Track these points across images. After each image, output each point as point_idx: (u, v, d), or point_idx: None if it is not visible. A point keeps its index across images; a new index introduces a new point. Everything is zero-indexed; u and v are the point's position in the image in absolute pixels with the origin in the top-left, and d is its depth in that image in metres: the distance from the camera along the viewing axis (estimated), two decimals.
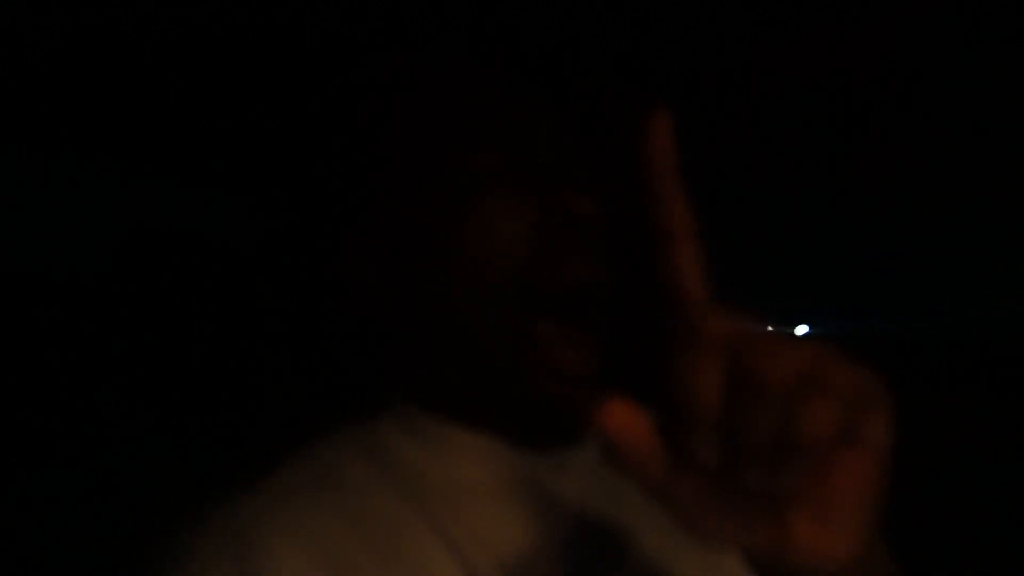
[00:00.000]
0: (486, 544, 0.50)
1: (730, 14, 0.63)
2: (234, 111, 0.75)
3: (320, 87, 0.68)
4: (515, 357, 0.52)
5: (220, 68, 0.70)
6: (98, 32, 0.65)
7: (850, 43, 0.65)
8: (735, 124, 0.72)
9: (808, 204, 0.80)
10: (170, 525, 0.51)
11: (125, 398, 0.87)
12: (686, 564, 0.54)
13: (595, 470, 0.57)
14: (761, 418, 0.32)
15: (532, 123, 0.56)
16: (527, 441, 0.56)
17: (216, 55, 0.68)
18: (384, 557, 0.49)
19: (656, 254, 0.35)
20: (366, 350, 0.63)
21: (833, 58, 0.68)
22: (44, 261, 0.85)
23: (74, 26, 0.64)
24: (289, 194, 0.75)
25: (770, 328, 0.34)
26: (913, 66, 0.69)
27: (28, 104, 0.75)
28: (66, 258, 0.86)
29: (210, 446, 0.84)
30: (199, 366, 0.87)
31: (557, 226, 0.53)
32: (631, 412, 0.32)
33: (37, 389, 0.86)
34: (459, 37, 0.64)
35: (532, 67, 0.60)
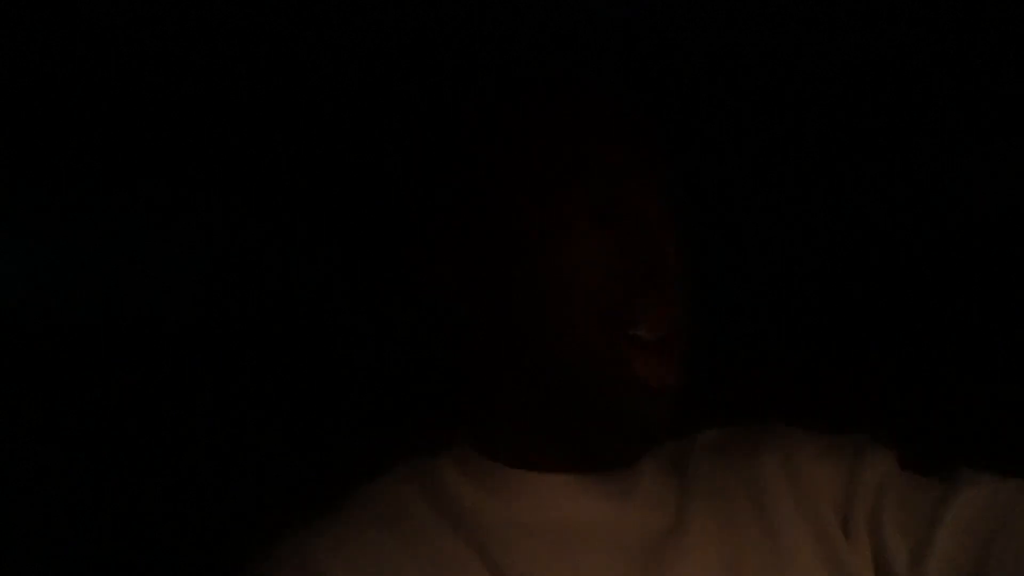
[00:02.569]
0: None
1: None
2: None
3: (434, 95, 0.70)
4: (601, 369, 0.53)
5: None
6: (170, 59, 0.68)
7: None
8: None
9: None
10: (242, 559, 0.53)
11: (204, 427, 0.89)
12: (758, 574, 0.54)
13: (655, 506, 0.58)
14: None
15: (642, 168, 0.58)
16: (597, 460, 0.56)
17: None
18: None
19: None
20: (430, 388, 0.64)
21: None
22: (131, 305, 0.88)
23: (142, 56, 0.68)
24: (379, 215, 0.76)
25: None
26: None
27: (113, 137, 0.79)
28: (151, 300, 0.88)
29: (282, 479, 0.85)
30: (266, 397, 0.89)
31: (648, 270, 0.54)
32: None
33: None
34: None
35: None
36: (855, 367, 0.90)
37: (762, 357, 0.94)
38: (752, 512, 0.58)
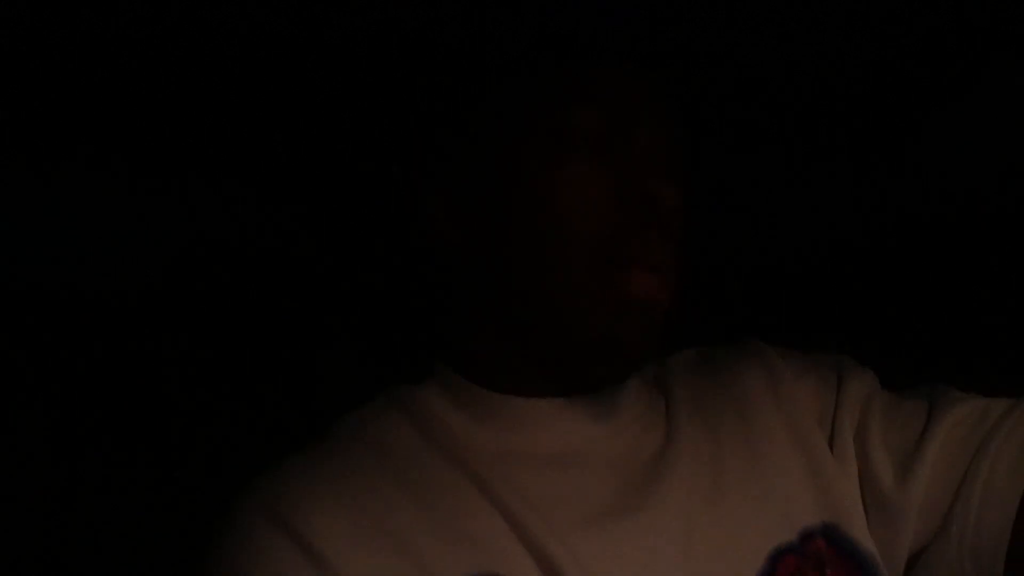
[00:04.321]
0: (535, 507, 0.50)
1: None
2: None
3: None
4: (594, 291, 0.53)
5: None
6: (152, 36, 0.65)
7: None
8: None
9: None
10: (220, 495, 0.52)
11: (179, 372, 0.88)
12: (736, 508, 0.54)
13: (644, 426, 0.58)
14: None
15: (635, 97, 0.57)
16: (585, 383, 0.56)
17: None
18: (433, 519, 0.50)
19: None
20: (415, 314, 0.63)
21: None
22: (94, 276, 0.86)
23: (119, 31, 0.65)
24: (369, 153, 0.75)
25: None
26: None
27: (74, 114, 0.76)
28: (116, 273, 0.87)
29: (265, 409, 0.84)
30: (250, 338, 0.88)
31: (644, 208, 0.53)
32: None
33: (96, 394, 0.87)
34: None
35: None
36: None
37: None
38: (737, 429, 0.58)
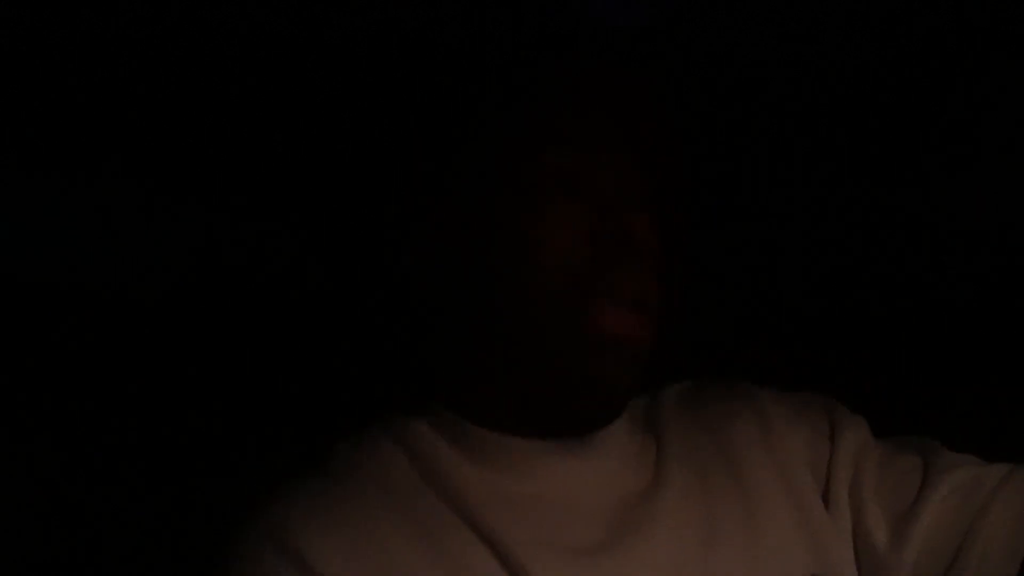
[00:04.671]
0: (525, 545, 0.50)
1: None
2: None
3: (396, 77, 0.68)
4: (571, 329, 0.53)
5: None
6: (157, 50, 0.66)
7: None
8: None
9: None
10: (216, 525, 0.53)
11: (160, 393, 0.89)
12: (726, 556, 0.54)
13: (632, 468, 0.58)
14: None
15: (606, 134, 0.57)
16: (572, 423, 0.56)
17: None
18: (431, 555, 0.50)
19: None
20: (405, 349, 0.64)
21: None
22: (101, 278, 0.87)
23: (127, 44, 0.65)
24: (347, 193, 0.76)
25: None
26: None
27: (93, 120, 0.77)
28: (120, 277, 0.88)
29: (259, 438, 0.85)
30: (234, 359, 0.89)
31: (615, 243, 0.54)
32: None
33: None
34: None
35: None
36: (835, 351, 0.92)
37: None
38: (727, 475, 0.58)
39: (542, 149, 0.56)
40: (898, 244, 0.87)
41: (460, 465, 0.55)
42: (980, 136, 0.75)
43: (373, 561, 0.49)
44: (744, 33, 0.64)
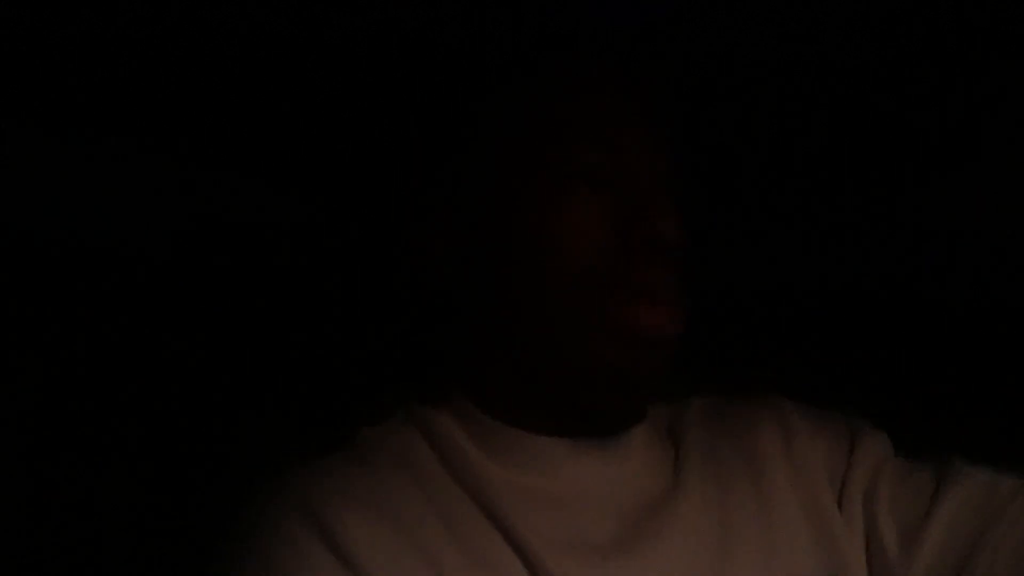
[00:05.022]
0: (544, 542, 0.51)
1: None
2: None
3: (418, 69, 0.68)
4: (596, 323, 0.53)
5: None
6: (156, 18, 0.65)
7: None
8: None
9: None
10: (245, 502, 0.53)
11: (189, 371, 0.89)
12: (741, 560, 0.54)
13: (652, 471, 0.58)
14: None
15: (636, 130, 0.57)
16: (595, 422, 0.56)
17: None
18: (454, 540, 0.50)
19: None
20: (427, 341, 0.64)
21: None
22: (104, 240, 0.87)
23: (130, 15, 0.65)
24: (370, 181, 0.76)
25: None
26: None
27: (93, 91, 0.76)
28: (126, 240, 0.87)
29: (270, 425, 0.85)
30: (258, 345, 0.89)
31: (644, 240, 0.53)
32: None
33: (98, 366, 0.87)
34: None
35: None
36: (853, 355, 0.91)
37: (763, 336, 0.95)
38: (747, 482, 0.59)
39: (569, 142, 0.55)
40: (899, 244, 0.87)
41: (480, 458, 0.55)
42: (981, 136, 0.75)
43: (395, 540, 0.49)
44: (744, 33, 0.64)
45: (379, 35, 0.67)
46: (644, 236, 0.53)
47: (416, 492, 0.52)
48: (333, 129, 0.78)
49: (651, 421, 0.61)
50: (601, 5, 0.59)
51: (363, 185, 0.78)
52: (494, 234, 0.57)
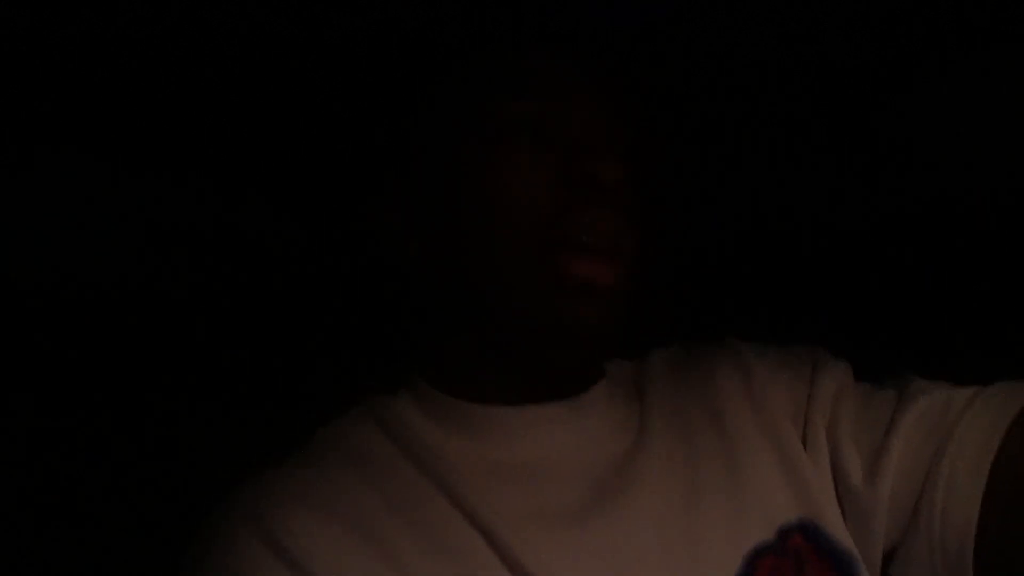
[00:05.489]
0: (507, 516, 0.51)
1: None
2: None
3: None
4: (544, 278, 0.53)
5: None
6: (112, 24, 0.64)
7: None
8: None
9: None
10: (199, 510, 0.53)
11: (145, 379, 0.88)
12: (711, 509, 0.54)
13: (615, 429, 0.58)
14: None
15: (571, 81, 0.57)
16: (552, 385, 0.56)
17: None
18: (412, 529, 0.50)
19: None
20: (382, 324, 0.64)
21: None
22: (56, 265, 0.86)
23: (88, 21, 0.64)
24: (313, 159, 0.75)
25: None
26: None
27: (38, 98, 0.75)
28: (79, 262, 0.86)
29: (231, 429, 0.85)
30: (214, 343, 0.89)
31: (584, 187, 0.53)
32: None
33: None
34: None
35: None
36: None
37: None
38: (711, 432, 0.58)
39: (508, 97, 0.55)
40: (896, 236, 0.87)
41: (439, 438, 0.55)
42: (981, 137, 0.75)
43: (348, 538, 0.49)
44: (744, 33, 0.63)
45: (334, 17, 0.65)
46: (579, 178, 0.53)
47: (370, 485, 0.52)
48: (283, 115, 0.77)
49: (612, 379, 0.61)
50: (601, 5, 0.58)
51: (315, 169, 0.77)
52: (444, 198, 0.56)
